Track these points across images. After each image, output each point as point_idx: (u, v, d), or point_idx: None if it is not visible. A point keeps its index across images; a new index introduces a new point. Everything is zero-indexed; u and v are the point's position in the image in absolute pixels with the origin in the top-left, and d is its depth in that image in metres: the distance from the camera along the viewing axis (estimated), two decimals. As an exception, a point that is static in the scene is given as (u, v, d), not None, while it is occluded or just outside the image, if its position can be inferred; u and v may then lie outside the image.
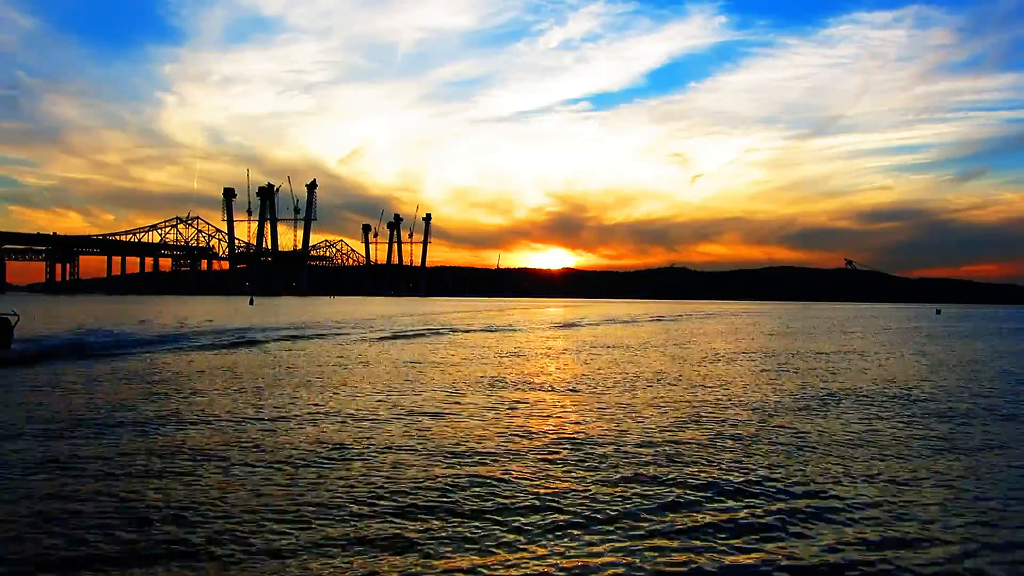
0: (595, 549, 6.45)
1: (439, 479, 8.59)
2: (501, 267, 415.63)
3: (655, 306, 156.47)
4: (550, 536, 6.75)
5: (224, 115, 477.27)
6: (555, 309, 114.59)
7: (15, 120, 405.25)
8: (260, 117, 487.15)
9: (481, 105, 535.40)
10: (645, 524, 7.07)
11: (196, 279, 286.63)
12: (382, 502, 7.69)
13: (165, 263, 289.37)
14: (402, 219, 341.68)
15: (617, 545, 6.53)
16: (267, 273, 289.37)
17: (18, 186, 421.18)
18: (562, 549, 6.45)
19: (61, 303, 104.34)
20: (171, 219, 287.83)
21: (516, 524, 7.02)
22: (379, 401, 15.09)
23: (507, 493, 7.97)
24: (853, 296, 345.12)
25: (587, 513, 7.36)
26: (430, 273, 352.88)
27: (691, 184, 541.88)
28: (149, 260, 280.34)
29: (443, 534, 6.76)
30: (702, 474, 8.97)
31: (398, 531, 6.81)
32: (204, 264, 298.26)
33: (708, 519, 7.29)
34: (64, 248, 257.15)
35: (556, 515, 7.29)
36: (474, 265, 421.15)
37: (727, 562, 6.26)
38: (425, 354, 27.56)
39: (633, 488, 8.22)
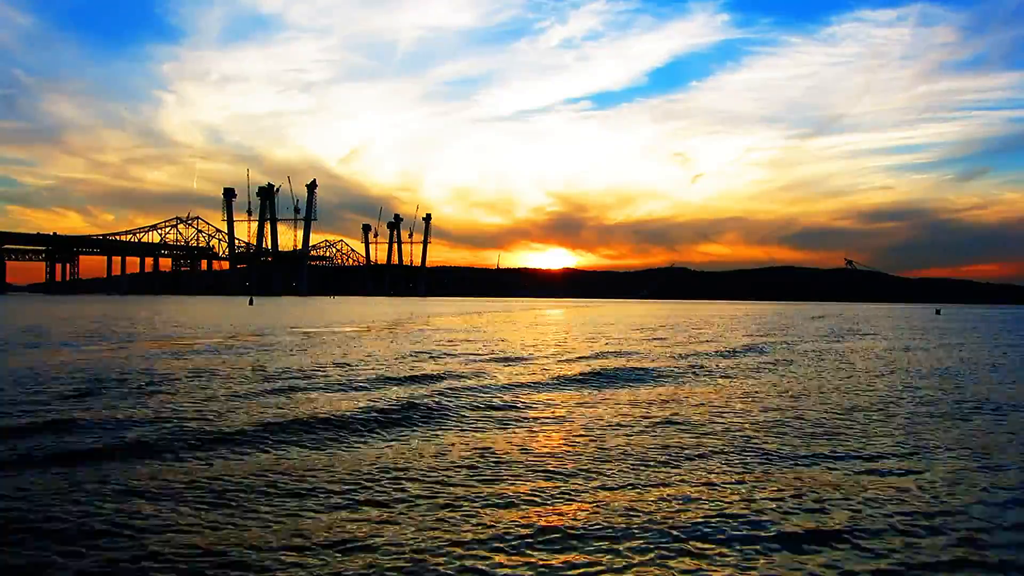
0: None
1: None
2: (501, 267, 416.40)
3: (660, 307, 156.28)
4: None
5: (223, 114, 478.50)
6: (556, 311, 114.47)
7: (13, 119, 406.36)
8: (259, 116, 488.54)
9: (481, 104, 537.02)
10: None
11: (196, 279, 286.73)
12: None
13: (165, 263, 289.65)
14: (402, 219, 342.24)
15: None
16: (267, 273, 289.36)
17: (17, 186, 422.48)
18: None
19: (59, 304, 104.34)
20: (171, 219, 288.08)
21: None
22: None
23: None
24: (853, 296, 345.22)
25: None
26: (430, 273, 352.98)
27: (692, 184, 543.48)
28: (149, 260, 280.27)
29: None
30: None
31: None
32: (204, 264, 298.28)
33: None
34: (64, 248, 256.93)
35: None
36: (474, 265, 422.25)
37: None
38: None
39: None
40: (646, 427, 13.13)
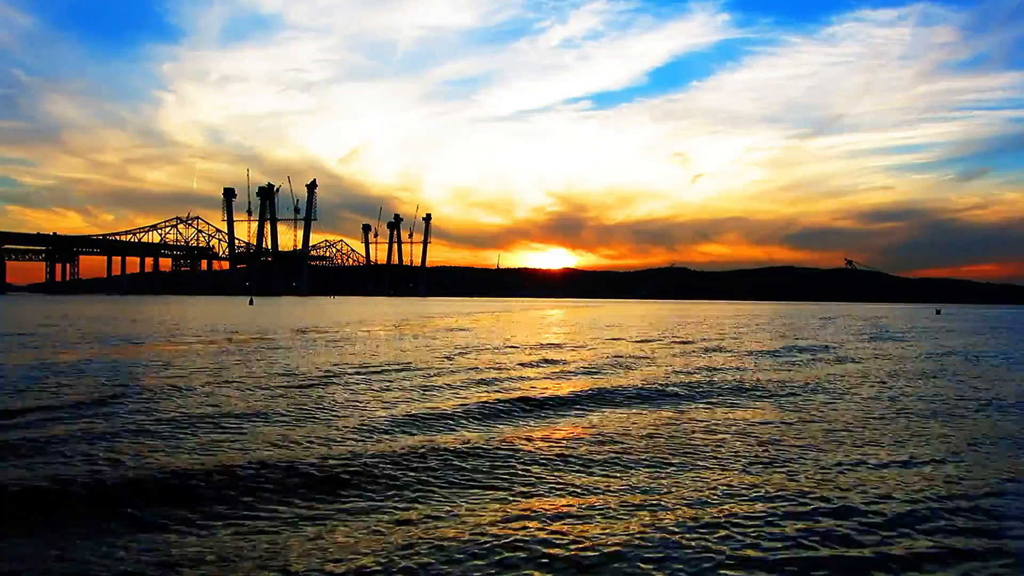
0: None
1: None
2: (501, 267, 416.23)
3: (661, 307, 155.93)
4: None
5: (223, 114, 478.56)
6: (556, 311, 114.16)
7: (13, 119, 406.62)
8: (259, 116, 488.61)
9: (481, 104, 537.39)
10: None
11: (196, 279, 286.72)
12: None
13: (165, 263, 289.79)
14: (402, 219, 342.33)
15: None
16: (267, 273, 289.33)
17: (17, 186, 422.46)
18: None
19: (60, 304, 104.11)
20: (171, 219, 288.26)
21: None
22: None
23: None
24: (853, 296, 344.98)
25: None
26: (430, 273, 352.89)
27: (692, 184, 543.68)
28: (149, 260, 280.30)
29: None
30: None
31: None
32: (204, 264, 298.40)
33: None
34: (64, 248, 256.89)
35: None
36: (474, 265, 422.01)
37: None
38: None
39: None
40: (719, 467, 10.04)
